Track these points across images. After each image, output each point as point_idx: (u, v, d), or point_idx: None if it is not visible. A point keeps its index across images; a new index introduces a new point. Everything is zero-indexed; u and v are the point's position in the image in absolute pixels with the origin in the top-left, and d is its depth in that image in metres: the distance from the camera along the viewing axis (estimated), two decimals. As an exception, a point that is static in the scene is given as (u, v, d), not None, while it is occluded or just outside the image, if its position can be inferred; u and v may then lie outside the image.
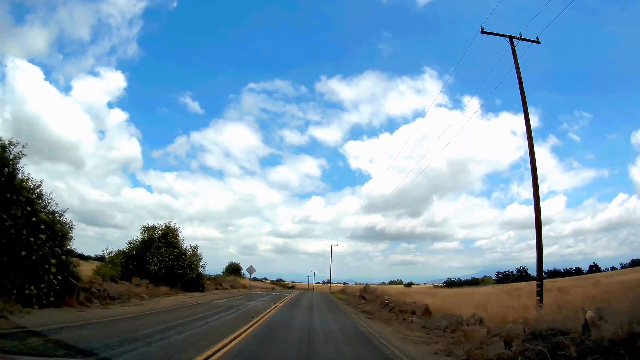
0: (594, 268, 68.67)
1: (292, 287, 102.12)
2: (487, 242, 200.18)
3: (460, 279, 72.39)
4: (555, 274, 65.94)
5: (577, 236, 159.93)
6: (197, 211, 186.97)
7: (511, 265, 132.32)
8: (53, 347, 6.45)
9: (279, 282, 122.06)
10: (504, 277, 64.14)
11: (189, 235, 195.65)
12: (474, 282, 65.59)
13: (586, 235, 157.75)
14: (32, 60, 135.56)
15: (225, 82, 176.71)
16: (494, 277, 69.82)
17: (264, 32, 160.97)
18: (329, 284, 77.28)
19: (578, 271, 68.72)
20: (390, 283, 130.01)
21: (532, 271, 65.23)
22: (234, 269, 68.26)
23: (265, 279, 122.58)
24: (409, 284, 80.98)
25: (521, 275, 63.94)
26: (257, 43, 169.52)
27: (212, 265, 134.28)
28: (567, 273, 66.15)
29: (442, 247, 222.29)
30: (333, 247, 73.69)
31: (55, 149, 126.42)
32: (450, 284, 67.79)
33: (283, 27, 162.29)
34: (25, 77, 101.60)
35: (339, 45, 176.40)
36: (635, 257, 65.65)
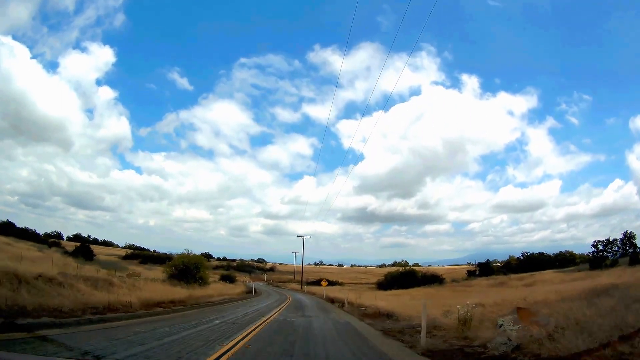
0: None
1: (271, 270, 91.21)
2: (479, 225, 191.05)
3: (533, 253, 56.10)
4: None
5: (570, 221, 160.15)
6: (187, 192, 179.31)
7: (503, 250, 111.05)
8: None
9: (259, 262, 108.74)
10: (598, 259, 45.72)
11: (179, 217, 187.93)
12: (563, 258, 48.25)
13: (579, 220, 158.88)
14: (16, 36, 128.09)
15: (216, 57, 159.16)
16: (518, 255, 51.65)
17: (256, 2, 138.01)
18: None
19: None
20: (394, 264, 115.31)
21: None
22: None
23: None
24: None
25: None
26: (249, 14, 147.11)
27: (202, 247, 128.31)
28: None
29: (434, 230, 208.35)
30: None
31: (43, 129, 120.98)
32: (529, 260, 51.30)
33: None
34: (10, 54, 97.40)
35: (336, 16, 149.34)
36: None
